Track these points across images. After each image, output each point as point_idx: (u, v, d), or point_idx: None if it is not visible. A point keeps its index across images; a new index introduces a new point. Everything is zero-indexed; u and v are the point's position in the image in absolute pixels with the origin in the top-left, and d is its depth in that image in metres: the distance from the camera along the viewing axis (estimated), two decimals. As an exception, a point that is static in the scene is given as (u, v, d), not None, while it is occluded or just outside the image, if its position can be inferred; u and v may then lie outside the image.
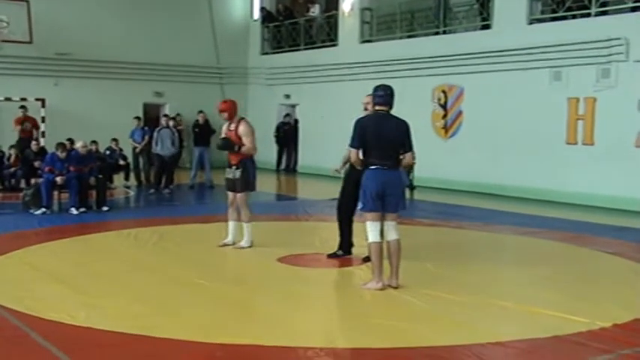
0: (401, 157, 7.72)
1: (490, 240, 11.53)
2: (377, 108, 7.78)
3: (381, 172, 7.56)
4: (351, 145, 7.76)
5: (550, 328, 6.31)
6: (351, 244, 9.42)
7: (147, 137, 18.14)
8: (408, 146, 7.73)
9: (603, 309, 6.98)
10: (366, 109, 8.90)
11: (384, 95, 7.73)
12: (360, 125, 7.70)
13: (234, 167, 9.89)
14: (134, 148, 18.58)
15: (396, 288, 7.62)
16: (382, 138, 7.59)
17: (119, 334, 6.07)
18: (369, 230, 7.65)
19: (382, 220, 7.70)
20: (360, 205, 7.78)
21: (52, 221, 12.37)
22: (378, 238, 7.63)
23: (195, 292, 7.66)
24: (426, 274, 8.49)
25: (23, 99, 20.72)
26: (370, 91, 8.04)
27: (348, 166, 9.03)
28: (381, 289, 7.58)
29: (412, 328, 6.37)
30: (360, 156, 7.73)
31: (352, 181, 8.92)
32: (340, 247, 9.43)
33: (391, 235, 7.70)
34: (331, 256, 9.38)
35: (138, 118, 19.55)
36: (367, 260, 8.93)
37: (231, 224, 10.14)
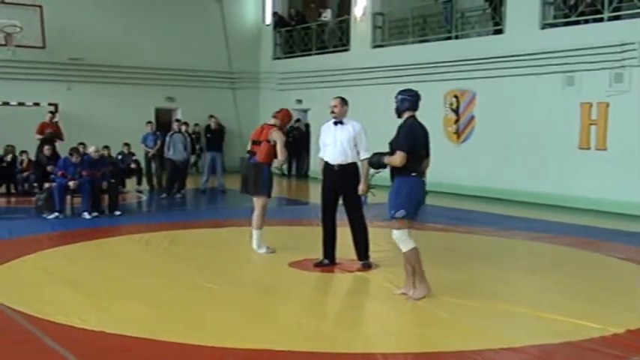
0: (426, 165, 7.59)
1: (501, 245, 11.49)
2: (409, 114, 7.49)
3: (422, 181, 7.44)
4: (403, 149, 7.26)
5: (562, 334, 6.29)
6: (334, 253, 9.21)
7: (159, 142, 18.18)
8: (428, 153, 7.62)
9: (615, 315, 6.94)
10: (332, 112, 8.90)
11: (419, 100, 7.56)
12: (415, 129, 7.38)
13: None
14: (146, 153, 18.62)
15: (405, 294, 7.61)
16: (425, 146, 7.47)
17: (130, 338, 6.09)
18: (404, 238, 7.39)
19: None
20: (401, 212, 7.32)
21: (65, 225, 12.42)
22: (414, 244, 7.43)
23: (206, 296, 7.67)
24: (437, 280, 8.46)
25: (36, 104, 20.83)
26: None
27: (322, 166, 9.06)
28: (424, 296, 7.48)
29: (423, 334, 6.36)
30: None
31: (329, 183, 8.99)
32: (326, 255, 9.21)
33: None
34: (318, 265, 9.15)
35: (150, 122, 19.60)
36: (367, 267, 8.98)
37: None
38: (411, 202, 7.35)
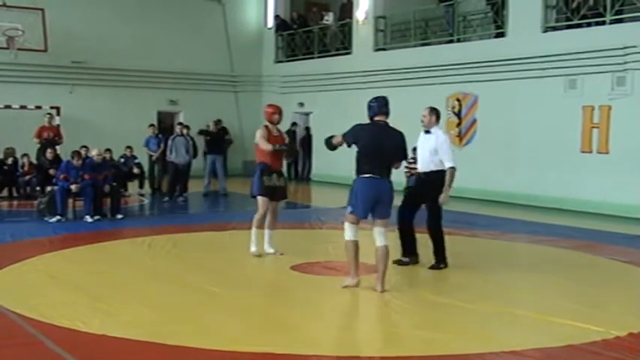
0: (394, 167, 8.03)
1: (504, 248, 11.49)
2: (377, 119, 7.97)
3: (375, 181, 7.79)
4: (342, 134, 8.08)
5: (565, 337, 6.29)
6: (416, 253, 9.40)
7: (161, 145, 18.18)
8: (403, 156, 8.11)
9: (618, 318, 6.95)
10: (422, 121, 9.15)
11: (385, 105, 8.01)
12: (358, 129, 7.99)
13: (276, 174, 9.97)
14: (149, 156, 18.62)
15: (381, 292, 7.76)
16: (382, 149, 7.81)
17: (133, 341, 6.08)
18: (346, 229, 7.89)
19: (372, 225, 7.95)
20: (348, 209, 7.90)
21: (67, 229, 12.42)
22: (352, 237, 7.84)
23: (209, 299, 7.67)
24: (440, 283, 8.48)
25: (38, 107, 20.82)
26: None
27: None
28: (356, 285, 7.89)
29: (426, 337, 6.35)
30: (338, 141, 8.15)
31: (415, 188, 9.46)
32: (404, 254, 9.42)
33: (380, 241, 7.87)
34: (396, 262, 9.23)
35: (152, 125, 19.60)
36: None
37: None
38: (362, 200, 7.79)
